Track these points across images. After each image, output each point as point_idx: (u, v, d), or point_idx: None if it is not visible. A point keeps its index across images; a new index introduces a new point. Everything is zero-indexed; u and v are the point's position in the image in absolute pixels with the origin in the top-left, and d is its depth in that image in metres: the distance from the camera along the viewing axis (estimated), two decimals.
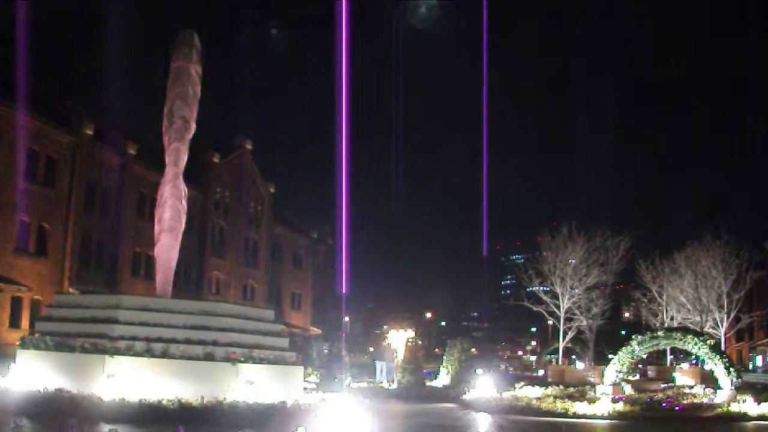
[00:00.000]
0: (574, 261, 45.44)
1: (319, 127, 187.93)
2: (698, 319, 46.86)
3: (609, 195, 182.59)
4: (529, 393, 26.19)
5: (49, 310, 20.22)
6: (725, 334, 47.92)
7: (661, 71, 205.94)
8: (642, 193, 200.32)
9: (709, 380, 28.94)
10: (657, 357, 55.12)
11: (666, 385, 34.01)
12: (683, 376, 37.53)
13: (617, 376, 24.86)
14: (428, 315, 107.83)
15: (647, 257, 50.15)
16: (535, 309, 47.97)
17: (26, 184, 32.83)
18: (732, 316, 48.00)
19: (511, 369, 70.65)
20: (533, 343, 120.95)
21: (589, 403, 21.26)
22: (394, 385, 31.31)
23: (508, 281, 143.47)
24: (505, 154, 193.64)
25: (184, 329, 17.77)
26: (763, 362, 63.12)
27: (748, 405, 20.51)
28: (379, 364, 34.76)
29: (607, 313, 47.91)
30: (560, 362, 50.26)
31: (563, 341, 45.79)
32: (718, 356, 23.60)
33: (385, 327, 69.77)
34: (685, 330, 29.08)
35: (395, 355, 36.89)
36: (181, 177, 20.33)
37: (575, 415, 20.34)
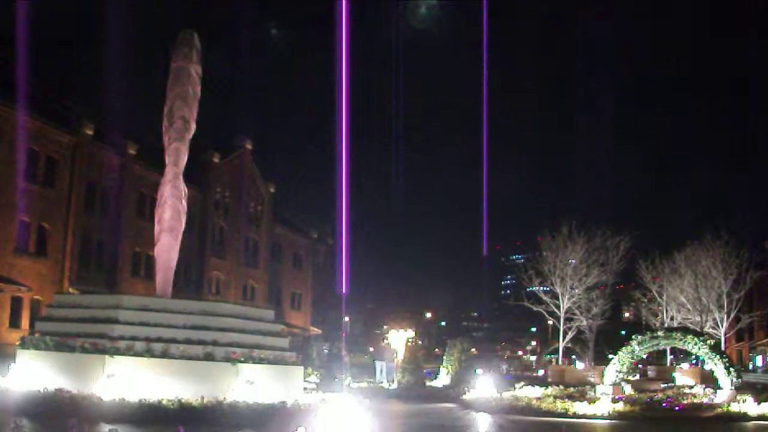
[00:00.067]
0: (574, 261, 45.43)
1: (319, 127, 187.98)
2: (698, 319, 46.85)
3: (609, 195, 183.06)
4: (529, 393, 26.15)
5: (49, 310, 20.21)
6: (725, 334, 47.91)
7: (661, 71, 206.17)
8: (642, 193, 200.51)
9: (709, 380, 28.91)
10: (657, 357, 55.09)
11: (666, 385, 33.97)
12: (683, 376, 37.48)
13: (617, 376, 24.85)
14: (428, 315, 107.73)
15: (647, 257, 50.18)
16: (535, 309, 47.94)
17: (26, 184, 32.85)
18: (732, 316, 48.01)
19: (511, 369, 70.55)
20: (533, 343, 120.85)
21: (589, 403, 21.24)
22: (394, 385, 31.28)
23: (508, 281, 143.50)
24: (505, 154, 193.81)
25: (184, 329, 17.76)
26: (763, 362, 63.12)
27: (748, 405, 20.49)
28: (379, 364, 34.70)
29: (607, 313, 47.92)
30: (560, 362, 50.23)
31: (563, 341, 45.78)
32: (718, 356, 23.58)
33: (385, 327, 69.59)
34: (685, 330, 29.06)
35: (395, 355, 36.82)
36: (181, 177, 20.32)
37: (575, 415, 20.32)
